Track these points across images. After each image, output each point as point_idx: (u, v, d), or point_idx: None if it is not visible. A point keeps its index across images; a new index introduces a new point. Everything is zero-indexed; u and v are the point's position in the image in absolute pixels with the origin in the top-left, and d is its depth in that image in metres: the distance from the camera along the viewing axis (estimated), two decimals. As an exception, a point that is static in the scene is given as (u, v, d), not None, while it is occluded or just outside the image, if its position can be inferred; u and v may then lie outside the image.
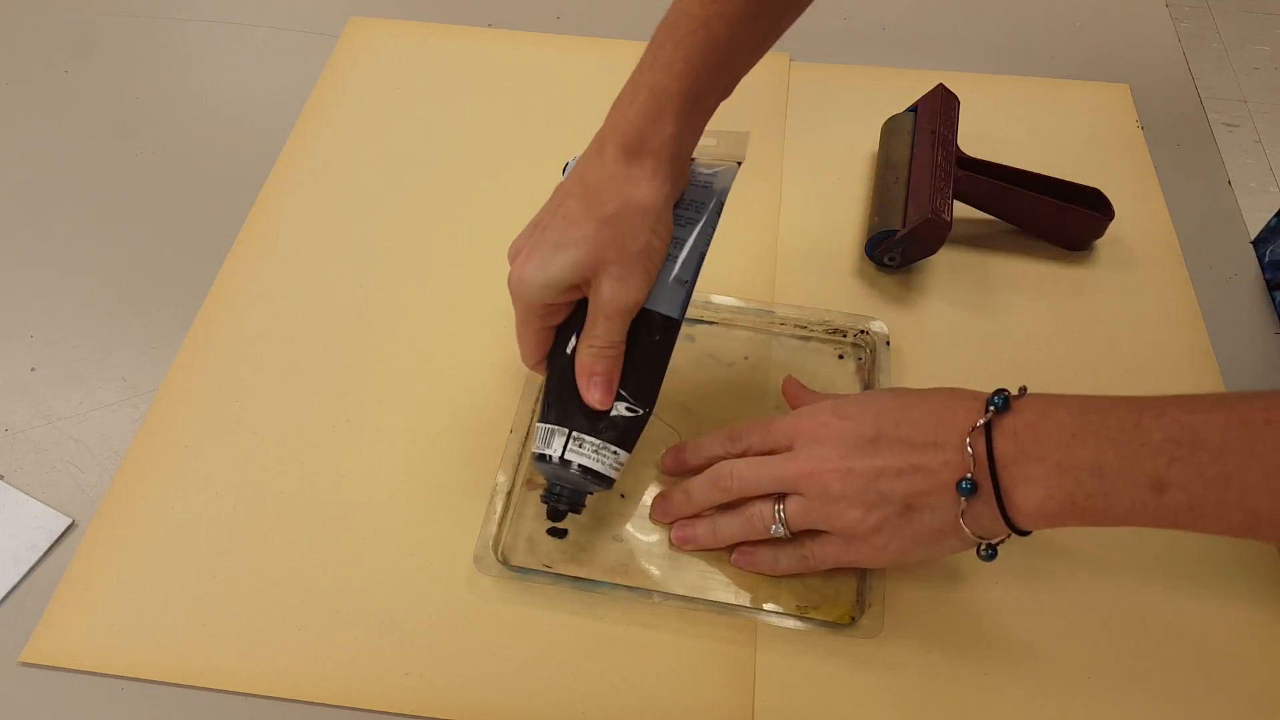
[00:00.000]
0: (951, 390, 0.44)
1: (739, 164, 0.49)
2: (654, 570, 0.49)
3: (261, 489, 0.52)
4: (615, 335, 0.45)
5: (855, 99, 0.72)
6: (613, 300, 0.44)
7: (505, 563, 0.48)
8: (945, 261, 0.62)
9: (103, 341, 0.58)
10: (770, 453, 0.47)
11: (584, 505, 0.48)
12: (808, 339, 0.58)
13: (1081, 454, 0.38)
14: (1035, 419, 0.40)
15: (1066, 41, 0.78)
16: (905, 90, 0.67)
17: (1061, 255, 0.63)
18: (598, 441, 0.46)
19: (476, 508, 0.50)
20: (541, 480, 0.49)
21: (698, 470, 0.49)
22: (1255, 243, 0.65)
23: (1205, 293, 0.61)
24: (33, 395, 0.56)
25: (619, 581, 0.48)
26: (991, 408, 0.41)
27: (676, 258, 0.47)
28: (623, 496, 0.51)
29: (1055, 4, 0.81)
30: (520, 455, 0.52)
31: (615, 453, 0.46)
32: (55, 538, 0.50)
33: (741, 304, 0.58)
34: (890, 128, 0.66)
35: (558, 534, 0.49)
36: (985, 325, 0.59)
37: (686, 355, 0.57)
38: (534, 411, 0.53)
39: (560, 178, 0.49)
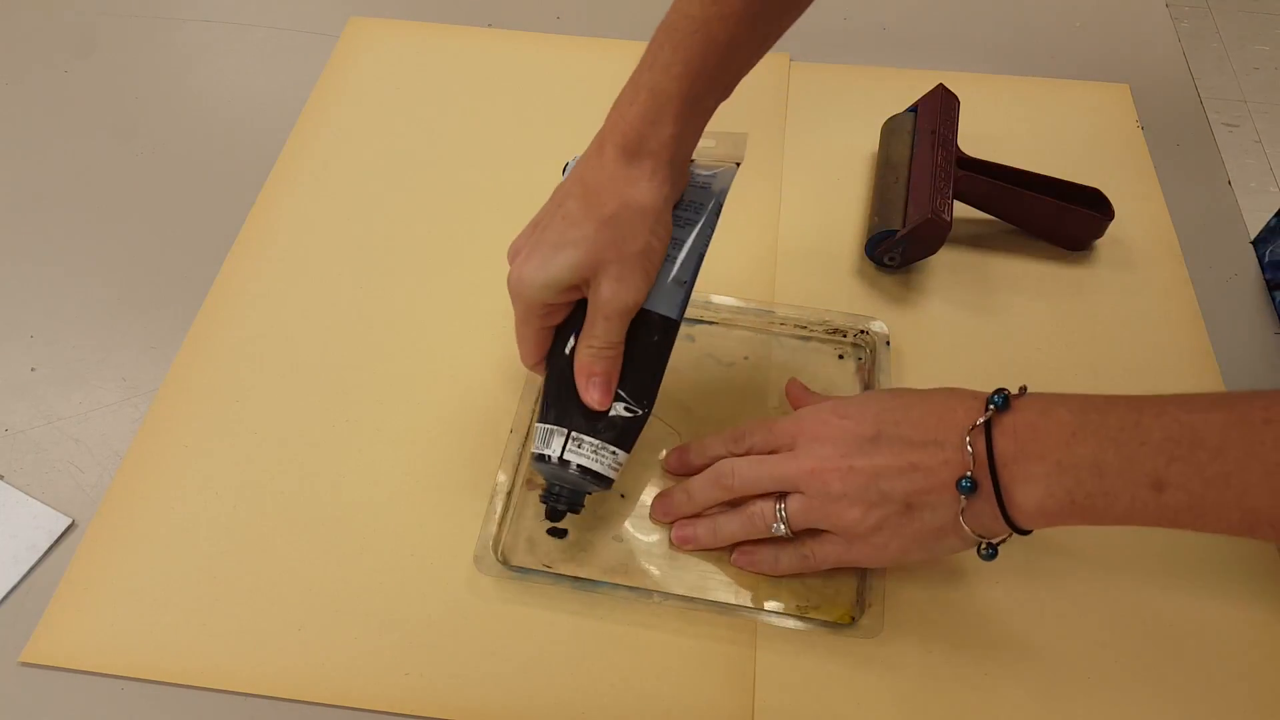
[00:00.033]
0: (951, 390, 0.44)
1: (737, 165, 0.49)
2: (654, 570, 0.49)
3: (261, 489, 0.52)
4: (614, 336, 0.45)
5: (855, 99, 0.72)
6: (612, 301, 0.44)
7: (505, 563, 0.48)
8: (945, 261, 0.62)
9: (103, 341, 0.58)
10: (772, 452, 0.47)
11: (583, 505, 0.48)
12: (808, 339, 0.58)
13: (1081, 452, 0.38)
14: (1035, 418, 0.40)
15: (1066, 41, 0.78)
16: (905, 90, 0.67)
17: (1061, 255, 0.63)
18: (596, 442, 0.46)
19: (476, 508, 0.50)
20: (541, 480, 0.49)
21: (701, 470, 0.49)
22: (1255, 243, 0.65)
23: (1205, 293, 0.61)
24: (33, 395, 0.56)
25: (619, 581, 0.48)
26: (991, 406, 0.41)
27: (675, 258, 0.47)
28: (623, 496, 0.51)
29: (1055, 4, 0.81)
30: (520, 455, 0.52)
31: (614, 453, 0.46)
32: (55, 538, 0.50)
33: (741, 304, 0.58)
34: (890, 128, 0.66)
35: (558, 534, 0.49)
36: (985, 325, 0.59)
37: (686, 355, 0.57)
38: (534, 411, 0.53)
39: (560, 178, 0.49)
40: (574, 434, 0.46)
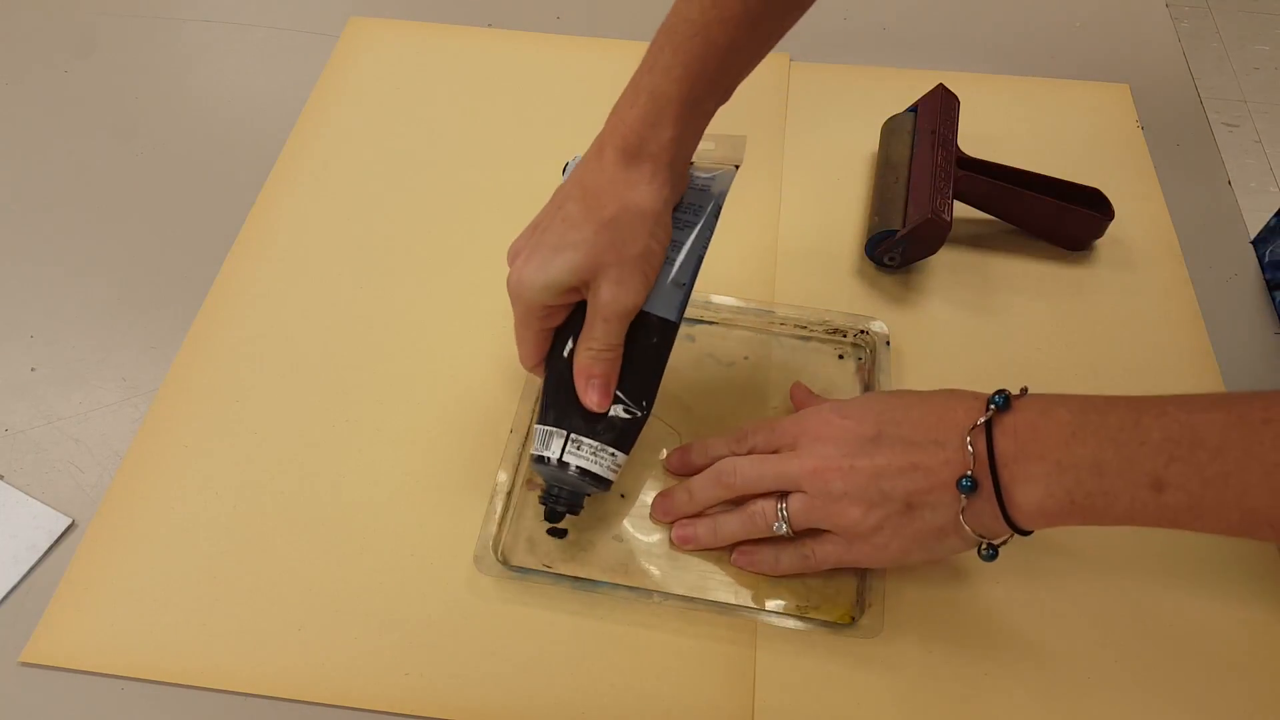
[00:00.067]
0: (952, 391, 0.44)
1: (736, 167, 0.50)
2: (654, 570, 0.49)
3: (261, 489, 0.52)
4: (613, 338, 0.45)
5: (855, 99, 0.72)
6: (611, 303, 0.44)
7: (505, 563, 0.48)
8: (945, 261, 0.62)
9: (103, 341, 0.58)
10: (774, 452, 0.47)
11: (582, 506, 0.48)
12: (808, 339, 0.58)
13: (1081, 452, 0.38)
14: (1035, 418, 0.40)
15: (1066, 41, 0.78)
16: (905, 90, 0.67)
17: (1061, 255, 0.63)
18: (596, 443, 0.46)
19: (476, 508, 0.50)
20: (541, 480, 0.49)
21: (702, 470, 0.49)
22: (1255, 243, 0.65)
23: (1205, 293, 0.61)
24: (33, 395, 0.56)
25: (619, 581, 0.48)
26: (992, 406, 0.41)
27: (674, 260, 0.47)
28: (623, 496, 0.51)
29: (1055, 4, 0.81)
30: (520, 455, 0.52)
31: (613, 455, 0.46)
32: (55, 538, 0.50)
33: (741, 304, 0.58)
34: (890, 128, 0.66)
35: (558, 534, 0.49)
36: (985, 325, 0.59)
37: (686, 355, 0.57)
38: (533, 411, 0.53)
39: (560, 178, 0.49)
40: (573, 436, 0.46)
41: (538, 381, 0.53)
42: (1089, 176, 0.62)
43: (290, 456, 0.53)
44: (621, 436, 0.46)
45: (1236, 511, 0.37)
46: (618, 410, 0.46)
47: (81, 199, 0.66)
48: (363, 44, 0.76)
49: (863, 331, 0.57)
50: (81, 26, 0.78)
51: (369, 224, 0.64)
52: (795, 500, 0.45)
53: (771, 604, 0.48)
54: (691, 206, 0.48)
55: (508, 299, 0.47)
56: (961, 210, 0.61)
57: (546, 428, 0.47)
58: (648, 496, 0.51)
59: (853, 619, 0.47)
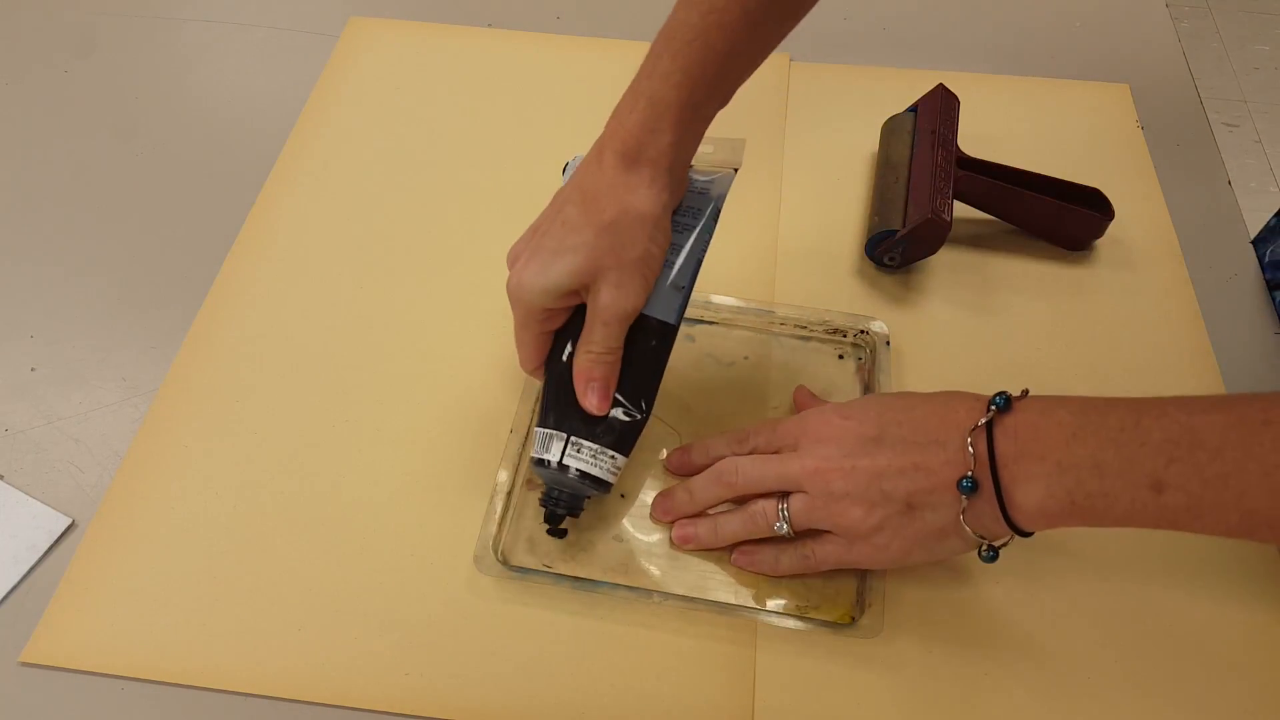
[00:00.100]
0: (953, 392, 0.44)
1: (735, 171, 0.50)
2: (654, 570, 0.49)
3: (261, 489, 0.52)
4: (613, 341, 0.45)
5: (855, 99, 0.72)
6: (610, 307, 0.44)
7: (505, 563, 0.48)
8: (945, 261, 0.62)
9: (103, 341, 0.58)
10: (776, 453, 0.47)
11: (582, 509, 0.48)
12: (808, 339, 0.58)
13: (1081, 453, 0.39)
14: (1036, 418, 0.40)
15: (1066, 41, 0.78)
16: (905, 90, 0.67)
17: (1061, 255, 0.63)
18: (595, 446, 0.46)
19: (476, 508, 0.50)
20: (541, 481, 0.49)
21: (703, 470, 0.49)
22: (1255, 243, 0.65)
23: (1205, 293, 0.61)
24: (33, 395, 0.56)
25: (619, 581, 0.48)
26: (993, 407, 0.41)
27: (674, 263, 0.47)
28: (623, 496, 0.51)
29: (1055, 4, 0.81)
30: (520, 455, 0.52)
31: (613, 457, 0.46)
32: (55, 538, 0.50)
33: (741, 304, 0.58)
34: (890, 128, 0.66)
35: (558, 533, 0.49)
36: (985, 325, 0.59)
37: (686, 355, 0.57)
38: (533, 411, 0.53)
39: (560, 178, 0.49)
40: (573, 439, 0.46)
41: (538, 382, 0.53)
42: (1089, 176, 0.62)
43: (290, 456, 0.53)
44: (621, 439, 0.46)
45: (1236, 513, 0.37)
46: (617, 413, 0.46)
47: (81, 199, 0.66)
48: (363, 44, 0.76)
49: (863, 331, 0.57)
50: (81, 26, 0.78)
51: (369, 224, 0.64)
52: (796, 500, 0.45)
53: (772, 604, 0.48)
54: (690, 210, 0.48)
55: (507, 300, 0.47)
56: (961, 210, 0.61)
57: (546, 430, 0.47)
58: (648, 496, 0.51)
59: (853, 619, 0.47)
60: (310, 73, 0.74)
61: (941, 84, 0.65)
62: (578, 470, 0.46)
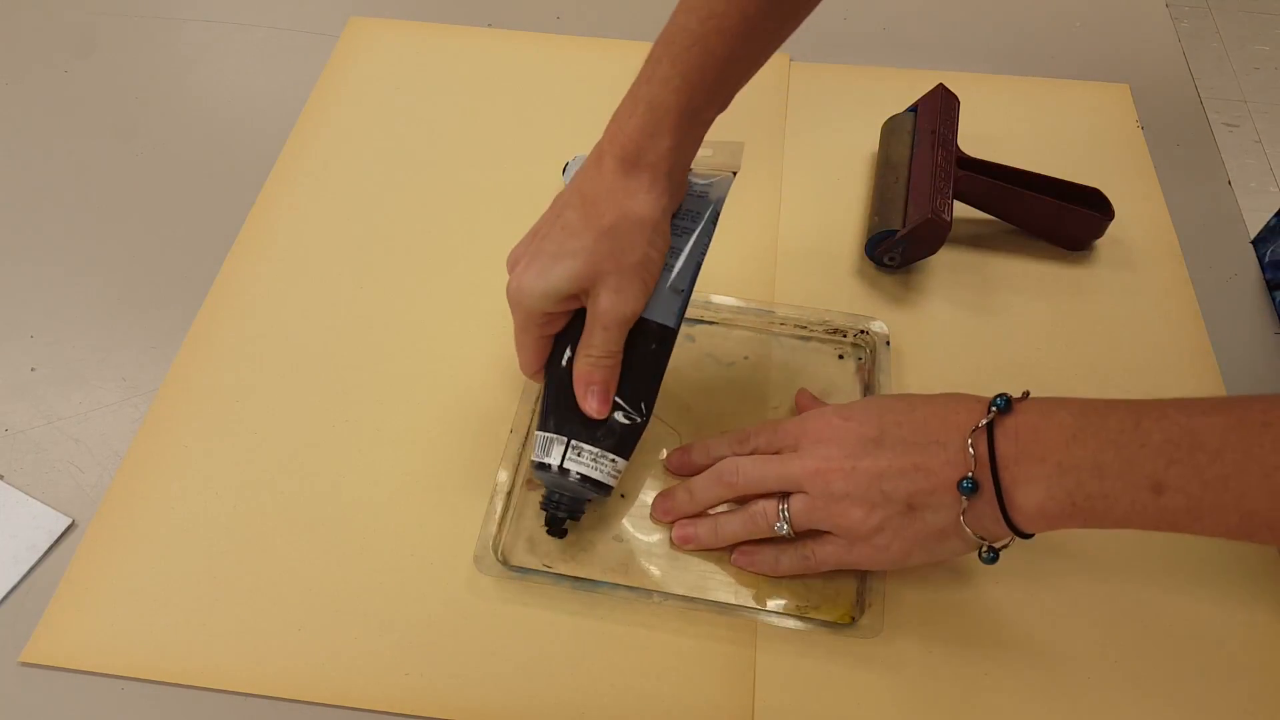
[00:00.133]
0: (954, 394, 0.44)
1: (734, 174, 0.50)
2: (654, 570, 0.49)
3: (261, 489, 0.52)
4: (612, 345, 0.45)
5: (855, 99, 0.72)
6: (610, 311, 0.44)
7: (505, 563, 0.48)
8: (945, 261, 0.62)
9: (103, 341, 0.58)
10: (776, 453, 0.47)
11: (583, 512, 0.48)
12: (808, 339, 0.58)
13: (1081, 454, 0.39)
14: (1036, 420, 0.40)
15: (1066, 41, 0.78)
16: (905, 90, 0.67)
17: (1061, 255, 0.63)
18: (596, 450, 0.46)
19: (476, 508, 0.50)
20: (542, 483, 0.49)
21: (703, 471, 0.49)
22: (1255, 243, 0.65)
23: (1205, 293, 0.61)
24: (33, 395, 0.56)
25: (619, 581, 0.48)
26: (993, 409, 0.41)
27: (673, 267, 0.47)
28: (623, 496, 0.51)
29: (1055, 4, 0.81)
30: (520, 455, 0.52)
31: (613, 460, 0.46)
32: (55, 538, 0.50)
33: (741, 304, 0.58)
34: (890, 128, 0.66)
35: (558, 532, 0.49)
36: (985, 325, 0.59)
37: (686, 355, 0.57)
38: (533, 412, 0.53)
39: (559, 178, 0.49)
40: (573, 442, 0.46)
41: (538, 383, 0.53)
42: (1089, 176, 0.62)
43: (290, 456, 0.53)
44: (621, 442, 0.46)
45: (1235, 514, 0.37)
46: (617, 416, 0.46)
47: (81, 199, 0.66)
48: (363, 44, 0.76)
49: (863, 331, 0.57)
50: (81, 26, 0.78)
51: (369, 224, 0.64)
52: (797, 501, 0.45)
53: (772, 604, 0.48)
54: (689, 213, 0.48)
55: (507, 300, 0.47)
56: (961, 210, 0.61)
57: (547, 434, 0.47)
58: (648, 496, 0.51)
59: (853, 619, 0.47)
60: (310, 73, 0.74)
61: (941, 84, 0.65)
62: (578, 474, 0.46)
